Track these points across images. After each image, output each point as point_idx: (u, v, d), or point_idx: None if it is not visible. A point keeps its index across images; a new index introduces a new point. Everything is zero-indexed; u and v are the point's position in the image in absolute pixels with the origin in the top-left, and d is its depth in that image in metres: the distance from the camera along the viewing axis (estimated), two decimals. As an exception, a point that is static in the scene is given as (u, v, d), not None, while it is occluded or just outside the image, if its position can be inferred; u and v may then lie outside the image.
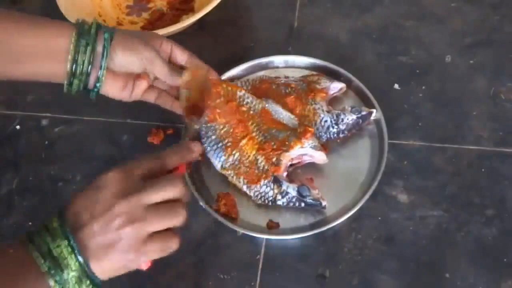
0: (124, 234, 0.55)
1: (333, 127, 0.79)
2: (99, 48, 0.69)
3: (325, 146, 0.79)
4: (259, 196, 0.75)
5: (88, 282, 0.54)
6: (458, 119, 0.83)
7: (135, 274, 0.75)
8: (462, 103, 0.85)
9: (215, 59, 0.91)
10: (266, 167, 0.75)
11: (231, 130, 0.77)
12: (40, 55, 0.69)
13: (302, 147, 0.75)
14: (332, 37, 0.93)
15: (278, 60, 0.88)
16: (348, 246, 0.74)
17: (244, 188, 0.76)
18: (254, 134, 0.77)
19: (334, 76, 0.85)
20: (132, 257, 0.56)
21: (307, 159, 0.77)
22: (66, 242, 0.54)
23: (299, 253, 0.75)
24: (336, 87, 0.82)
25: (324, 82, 0.82)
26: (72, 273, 0.54)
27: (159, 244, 0.57)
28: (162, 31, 0.88)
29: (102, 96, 0.89)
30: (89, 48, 0.68)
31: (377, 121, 0.80)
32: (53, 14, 0.91)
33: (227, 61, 0.88)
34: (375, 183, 0.75)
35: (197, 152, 0.63)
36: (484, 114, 0.83)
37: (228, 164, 0.77)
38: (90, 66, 0.69)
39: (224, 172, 0.77)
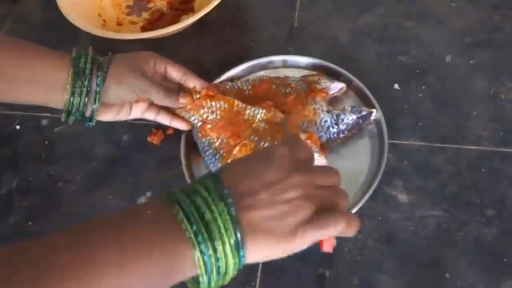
0: (296, 206, 0.49)
1: (333, 127, 0.79)
2: (94, 86, 0.71)
3: (325, 146, 0.79)
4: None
5: (235, 261, 0.47)
6: (458, 119, 0.83)
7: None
8: (462, 103, 0.85)
9: (215, 59, 0.92)
10: None
11: (225, 141, 0.77)
12: (37, 87, 0.70)
13: None
14: (332, 37, 0.93)
15: (278, 60, 0.88)
16: (348, 246, 0.74)
17: None
18: (245, 141, 0.77)
19: (334, 76, 0.85)
20: (291, 238, 0.50)
21: None
22: (223, 207, 0.47)
23: (299, 253, 0.74)
24: (336, 87, 0.82)
25: (324, 82, 0.82)
26: (223, 247, 0.46)
27: (325, 219, 0.51)
28: (162, 31, 0.88)
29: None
30: (84, 89, 0.70)
31: (377, 121, 0.81)
32: (53, 14, 0.91)
33: (227, 61, 0.88)
34: (375, 183, 0.75)
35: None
36: (484, 114, 0.83)
37: None
38: (85, 105, 0.71)
39: None
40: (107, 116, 0.77)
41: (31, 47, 0.71)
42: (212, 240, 0.46)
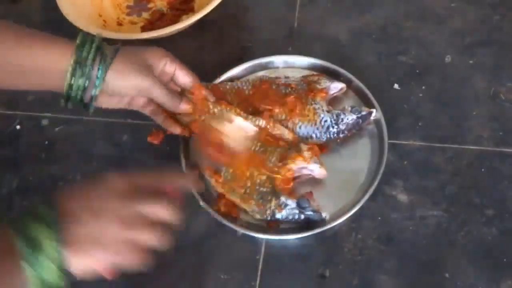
0: (110, 231, 0.56)
1: (333, 127, 0.79)
2: (94, 76, 0.69)
3: (325, 145, 0.80)
4: (256, 211, 0.75)
5: (57, 275, 0.54)
6: (458, 119, 0.83)
7: (135, 274, 0.75)
8: (462, 103, 0.85)
9: (215, 59, 0.92)
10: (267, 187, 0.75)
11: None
12: (39, 75, 0.70)
13: (304, 161, 0.75)
14: (332, 37, 0.93)
15: (278, 60, 0.88)
16: (348, 246, 0.74)
17: (242, 205, 0.76)
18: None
19: (334, 76, 0.85)
20: (108, 256, 0.57)
21: (305, 173, 0.77)
22: (46, 225, 0.54)
23: (299, 253, 0.75)
24: (336, 87, 0.82)
25: (324, 82, 0.82)
26: (47, 259, 0.53)
27: (133, 254, 0.58)
28: (162, 31, 0.88)
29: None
30: (83, 78, 0.69)
31: (377, 121, 0.80)
32: (53, 14, 0.91)
33: (227, 61, 0.88)
34: (375, 183, 0.75)
35: (193, 186, 0.68)
36: (484, 114, 0.83)
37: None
38: (84, 92, 0.71)
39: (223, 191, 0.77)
40: (106, 104, 0.75)
41: (34, 34, 0.70)
42: (37, 251, 0.53)
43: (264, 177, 0.75)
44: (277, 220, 0.74)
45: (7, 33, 0.69)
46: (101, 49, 0.70)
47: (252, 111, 0.79)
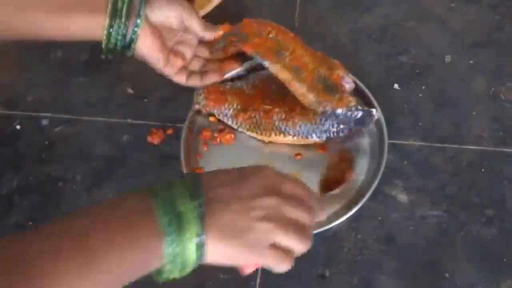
0: (258, 227, 0.52)
1: (333, 126, 0.79)
2: (133, 14, 0.70)
3: (325, 145, 0.80)
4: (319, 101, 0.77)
5: (195, 257, 0.51)
6: (458, 119, 0.83)
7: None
8: (462, 103, 0.85)
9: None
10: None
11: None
12: (77, 8, 0.69)
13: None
14: (332, 37, 0.93)
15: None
16: (348, 246, 0.74)
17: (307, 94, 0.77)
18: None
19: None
20: (247, 254, 0.53)
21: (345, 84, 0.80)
22: (196, 204, 0.50)
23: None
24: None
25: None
26: (189, 239, 0.49)
27: (276, 256, 0.54)
28: (162, 31, 0.88)
29: (102, 96, 0.90)
30: (122, 20, 0.69)
31: (377, 121, 0.80)
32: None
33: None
34: (375, 183, 0.75)
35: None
36: (484, 114, 0.83)
37: None
38: (127, 14, 0.70)
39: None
40: (148, 47, 0.73)
41: None
42: (179, 232, 0.49)
43: (324, 72, 0.78)
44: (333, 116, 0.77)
45: None
46: None
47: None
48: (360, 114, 0.79)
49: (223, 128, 0.82)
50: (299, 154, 0.80)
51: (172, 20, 0.75)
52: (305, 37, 0.93)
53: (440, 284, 0.71)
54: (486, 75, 0.87)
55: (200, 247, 0.50)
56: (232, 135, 0.82)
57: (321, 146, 0.79)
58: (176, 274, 0.51)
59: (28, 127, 0.88)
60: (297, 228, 0.55)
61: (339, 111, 0.79)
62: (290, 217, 0.54)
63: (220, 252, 0.52)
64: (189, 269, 0.52)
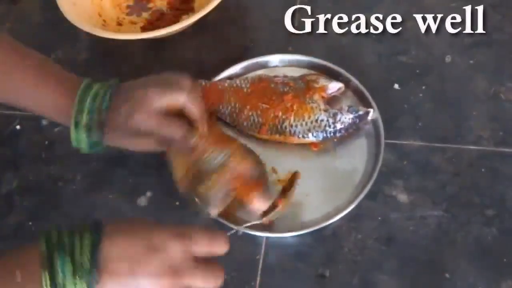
0: None
1: (329, 126, 0.79)
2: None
3: (320, 144, 0.80)
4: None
5: None
6: (458, 119, 0.83)
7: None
8: (462, 103, 0.85)
9: (215, 59, 0.92)
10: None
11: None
12: (43, 108, 0.72)
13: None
14: (332, 37, 0.93)
15: (277, 59, 0.88)
16: (348, 246, 0.74)
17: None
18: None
19: (333, 75, 0.85)
20: None
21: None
22: (79, 276, 0.49)
23: (299, 253, 0.75)
24: (334, 86, 0.82)
25: (323, 81, 0.82)
26: None
27: None
28: (162, 31, 0.88)
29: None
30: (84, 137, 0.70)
31: (374, 121, 0.80)
32: (53, 14, 0.91)
33: (227, 61, 0.88)
34: (370, 183, 0.75)
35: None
36: (484, 114, 0.83)
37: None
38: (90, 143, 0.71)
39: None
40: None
41: (37, 68, 0.71)
42: None
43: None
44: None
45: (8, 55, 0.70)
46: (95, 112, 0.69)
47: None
48: (357, 114, 0.79)
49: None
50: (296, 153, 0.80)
51: (132, 132, 0.71)
52: (305, 36, 0.94)
53: (440, 284, 0.71)
54: (486, 75, 0.87)
55: None
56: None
57: (315, 144, 0.80)
58: None
59: (28, 127, 0.88)
60: None
61: (335, 112, 0.79)
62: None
63: None
64: None
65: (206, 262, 0.55)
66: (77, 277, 0.49)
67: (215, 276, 0.55)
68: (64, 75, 0.72)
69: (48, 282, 0.49)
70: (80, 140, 0.70)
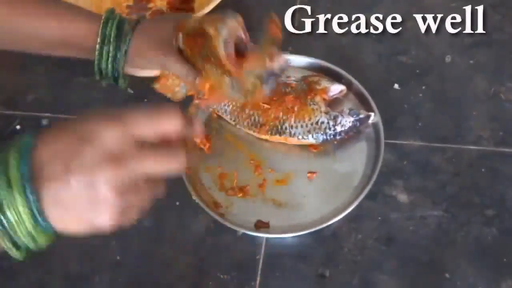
0: (95, 207, 0.45)
1: (330, 129, 0.79)
2: (119, 54, 0.71)
3: (318, 146, 0.80)
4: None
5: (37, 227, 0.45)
6: (458, 119, 0.83)
7: (135, 274, 0.75)
8: (462, 103, 0.85)
9: (215, 59, 0.91)
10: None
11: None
12: (65, 46, 0.72)
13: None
14: (332, 37, 0.93)
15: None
16: (348, 246, 0.74)
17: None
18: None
19: (334, 77, 0.84)
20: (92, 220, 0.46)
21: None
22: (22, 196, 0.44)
23: (299, 253, 0.75)
24: (336, 88, 0.82)
25: (325, 83, 0.82)
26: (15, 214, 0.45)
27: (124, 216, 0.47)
28: (162, 31, 0.88)
29: (102, 96, 0.90)
30: (110, 59, 0.71)
31: (374, 124, 0.80)
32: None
33: (227, 61, 0.88)
34: (369, 186, 0.75)
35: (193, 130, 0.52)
36: (484, 114, 0.83)
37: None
38: (112, 69, 0.72)
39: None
40: (137, 73, 0.77)
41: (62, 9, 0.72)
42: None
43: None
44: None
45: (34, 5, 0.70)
46: (121, 29, 0.71)
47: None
48: (358, 117, 0.79)
49: (207, 135, 0.83)
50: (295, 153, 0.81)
51: (152, 67, 0.75)
52: (305, 37, 0.94)
53: (440, 284, 0.71)
54: (486, 75, 0.87)
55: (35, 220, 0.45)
56: (208, 145, 0.82)
57: (314, 146, 0.80)
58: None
59: (28, 127, 0.88)
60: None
61: (336, 114, 0.79)
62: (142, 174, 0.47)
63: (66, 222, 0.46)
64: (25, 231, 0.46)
65: (159, 145, 0.48)
66: (14, 192, 0.44)
67: (169, 157, 0.47)
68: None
69: None
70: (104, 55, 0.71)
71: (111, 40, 0.70)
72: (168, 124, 0.49)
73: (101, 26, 0.70)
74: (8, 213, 0.45)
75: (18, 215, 0.45)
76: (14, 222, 0.45)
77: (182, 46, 0.72)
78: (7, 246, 0.46)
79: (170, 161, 0.47)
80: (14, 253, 0.46)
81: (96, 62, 0.72)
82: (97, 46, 0.70)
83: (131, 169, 0.46)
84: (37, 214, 0.45)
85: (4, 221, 0.45)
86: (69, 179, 0.45)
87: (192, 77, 0.73)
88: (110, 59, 0.71)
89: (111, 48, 0.70)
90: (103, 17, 0.71)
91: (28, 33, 0.71)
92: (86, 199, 0.45)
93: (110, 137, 0.46)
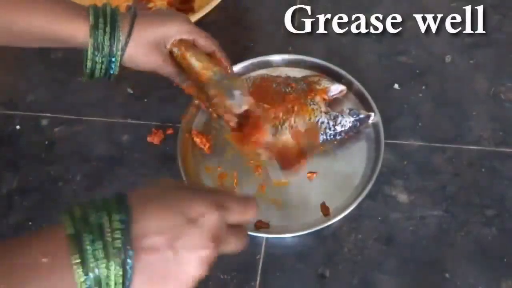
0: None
1: (330, 129, 0.79)
2: (112, 54, 0.70)
3: (321, 146, 0.80)
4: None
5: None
6: (458, 119, 0.83)
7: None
8: (462, 103, 0.85)
9: (215, 59, 0.91)
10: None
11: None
12: (55, 41, 0.70)
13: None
14: (332, 37, 0.93)
15: (278, 59, 0.88)
16: (348, 246, 0.74)
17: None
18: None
19: (334, 77, 0.85)
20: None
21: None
22: (120, 269, 0.45)
23: (299, 253, 0.75)
24: (336, 89, 0.82)
25: (325, 83, 0.82)
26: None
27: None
28: (162, 31, 0.88)
29: (102, 96, 0.90)
30: (102, 59, 0.70)
31: (374, 125, 0.80)
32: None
33: (227, 61, 0.88)
34: (371, 184, 0.75)
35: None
36: (484, 114, 0.83)
37: None
38: (102, 69, 0.72)
39: None
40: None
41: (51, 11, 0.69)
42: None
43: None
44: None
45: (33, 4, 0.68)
46: (115, 27, 0.70)
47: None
48: (358, 117, 0.79)
49: (207, 135, 0.83)
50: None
51: (144, 69, 0.75)
52: (305, 37, 0.94)
53: (440, 284, 0.71)
54: (486, 75, 0.87)
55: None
56: (208, 145, 0.82)
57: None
58: None
59: (28, 127, 0.88)
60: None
61: (336, 114, 0.79)
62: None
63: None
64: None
65: (234, 227, 0.52)
66: (110, 259, 0.45)
67: (243, 239, 0.53)
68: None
69: (80, 268, 0.44)
70: (98, 43, 0.69)
71: (104, 48, 0.69)
72: (251, 216, 0.53)
73: (91, 31, 0.68)
74: (102, 271, 0.45)
75: (110, 276, 0.45)
76: (103, 279, 0.45)
77: (174, 50, 0.74)
78: None
79: (243, 243, 0.54)
80: None
81: (88, 69, 0.71)
82: (89, 54, 0.69)
83: (220, 250, 0.50)
84: (128, 280, 0.46)
85: (98, 276, 0.45)
86: (172, 255, 0.47)
87: (181, 80, 0.77)
88: (103, 71, 0.71)
89: (103, 60, 0.70)
90: (90, 19, 0.69)
91: (20, 28, 0.69)
92: (177, 271, 0.48)
93: (213, 221, 0.49)
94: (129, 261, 0.45)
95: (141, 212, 0.47)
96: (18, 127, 0.88)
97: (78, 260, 0.44)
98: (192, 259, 0.48)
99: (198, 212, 0.49)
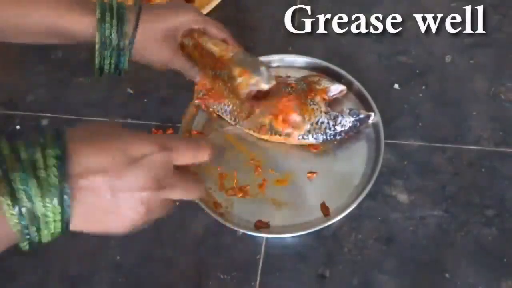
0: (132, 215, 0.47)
1: (330, 129, 0.79)
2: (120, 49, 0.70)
3: (318, 146, 0.80)
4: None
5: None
6: (458, 119, 0.83)
7: (135, 274, 0.75)
8: (462, 103, 0.85)
9: (215, 59, 0.91)
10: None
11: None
12: (62, 37, 0.69)
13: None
14: (332, 37, 0.93)
15: (278, 59, 0.88)
16: (348, 246, 0.74)
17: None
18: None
19: (334, 77, 0.84)
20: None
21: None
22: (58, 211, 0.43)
23: (299, 253, 0.75)
24: (336, 88, 0.82)
25: (325, 83, 0.82)
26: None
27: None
28: (162, 31, 0.88)
29: (102, 96, 0.90)
30: (109, 56, 0.69)
31: (375, 125, 0.80)
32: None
33: (227, 61, 0.88)
34: (371, 184, 0.75)
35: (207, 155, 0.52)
36: (484, 114, 0.83)
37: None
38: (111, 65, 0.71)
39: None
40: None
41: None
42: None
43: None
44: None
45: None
46: (123, 21, 0.69)
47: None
48: (358, 117, 0.79)
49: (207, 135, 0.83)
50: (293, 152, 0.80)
51: (154, 64, 0.75)
52: (305, 37, 0.94)
53: (440, 284, 0.71)
54: (486, 75, 0.87)
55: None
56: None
57: (315, 146, 0.80)
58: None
59: (28, 127, 0.88)
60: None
61: (336, 114, 0.79)
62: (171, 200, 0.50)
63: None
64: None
65: (185, 172, 0.50)
66: (46, 198, 0.43)
67: (195, 187, 0.51)
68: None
69: (12, 209, 0.42)
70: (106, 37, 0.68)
71: (112, 42, 0.68)
72: (202, 157, 0.51)
73: (98, 25, 0.67)
74: (38, 208, 0.43)
75: (47, 213, 0.44)
76: (40, 217, 0.44)
77: (185, 41, 0.74)
78: (26, 236, 0.44)
79: (194, 190, 0.51)
80: (24, 244, 0.45)
81: (96, 64, 0.70)
82: (97, 48, 0.68)
83: (165, 194, 0.48)
84: (67, 218, 0.44)
85: (33, 213, 0.43)
86: (110, 196, 0.45)
87: (193, 74, 0.76)
88: (112, 66, 0.70)
89: (112, 54, 0.69)
90: (97, 13, 0.67)
91: (26, 23, 0.68)
92: (116, 211, 0.46)
93: (156, 162, 0.47)
94: (66, 197, 0.43)
95: (79, 149, 0.45)
96: (18, 127, 0.88)
97: (10, 201, 0.42)
98: (132, 201, 0.46)
99: (141, 152, 0.46)
